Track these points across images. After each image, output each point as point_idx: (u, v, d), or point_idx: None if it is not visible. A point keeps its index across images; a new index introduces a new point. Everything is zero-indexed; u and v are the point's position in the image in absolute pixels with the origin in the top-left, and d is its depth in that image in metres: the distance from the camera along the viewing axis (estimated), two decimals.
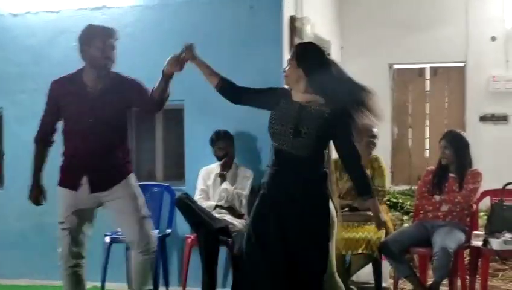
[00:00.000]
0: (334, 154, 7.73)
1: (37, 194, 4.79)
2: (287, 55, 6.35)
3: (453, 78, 8.93)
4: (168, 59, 4.59)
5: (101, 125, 4.54)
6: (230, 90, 4.48)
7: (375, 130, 5.85)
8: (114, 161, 4.65)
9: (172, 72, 4.57)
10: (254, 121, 6.27)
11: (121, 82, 4.66)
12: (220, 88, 4.46)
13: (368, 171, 5.77)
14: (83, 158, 4.59)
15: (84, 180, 4.60)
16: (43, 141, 4.82)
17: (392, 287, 5.77)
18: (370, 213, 5.51)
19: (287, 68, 4.22)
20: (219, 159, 6.16)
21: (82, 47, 4.63)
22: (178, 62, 4.53)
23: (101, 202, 4.68)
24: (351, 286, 5.76)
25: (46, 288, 6.46)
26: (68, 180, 4.69)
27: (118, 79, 4.66)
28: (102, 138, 4.56)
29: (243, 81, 6.32)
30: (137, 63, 6.40)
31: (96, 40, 4.58)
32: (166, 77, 4.60)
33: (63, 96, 4.62)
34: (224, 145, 6.13)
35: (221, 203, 6.02)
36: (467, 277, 5.57)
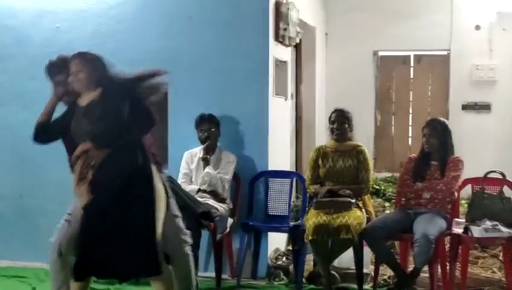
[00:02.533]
0: (317, 142, 7.78)
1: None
2: (272, 40, 6.37)
3: (436, 66, 8.95)
4: None
5: None
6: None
7: (333, 114, 5.86)
8: None
9: None
10: (238, 106, 6.30)
11: None
12: None
13: (351, 162, 5.79)
14: None
15: None
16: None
17: (373, 273, 5.80)
18: (350, 199, 5.56)
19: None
20: (202, 142, 6.15)
21: None
22: None
23: None
24: (332, 272, 5.79)
25: (27, 269, 6.44)
26: None
27: None
28: None
29: (228, 65, 6.37)
30: (122, 45, 6.38)
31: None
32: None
33: None
34: (207, 127, 6.11)
35: (204, 187, 6.02)
36: (447, 264, 5.61)
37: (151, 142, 5.03)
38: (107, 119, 4.31)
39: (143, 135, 4.51)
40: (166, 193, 4.58)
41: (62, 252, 4.62)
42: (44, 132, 4.69)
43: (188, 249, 4.88)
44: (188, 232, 4.94)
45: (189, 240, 4.93)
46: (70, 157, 4.49)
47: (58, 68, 4.61)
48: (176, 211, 4.90)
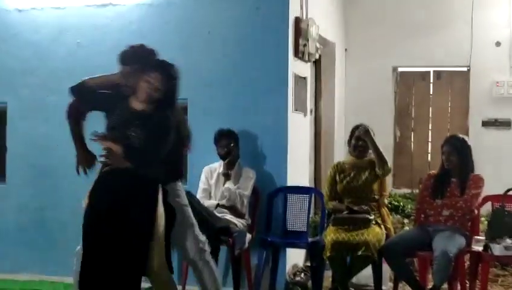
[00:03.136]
0: (336, 158, 7.76)
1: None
2: (291, 56, 6.39)
3: (456, 83, 8.91)
4: None
5: None
6: None
7: (359, 131, 5.87)
8: None
9: None
10: (257, 122, 6.31)
11: None
12: None
13: (368, 175, 5.79)
14: None
15: None
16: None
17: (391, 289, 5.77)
18: (368, 216, 5.55)
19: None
20: (222, 157, 6.16)
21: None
22: None
23: None
24: (351, 289, 5.77)
25: (45, 283, 6.46)
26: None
27: None
28: None
29: (247, 81, 6.38)
30: None
31: None
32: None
33: None
34: (227, 143, 6.12)
35: (223, 202, 6.02)
36: (467, 281, 5.57)
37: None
38: (147, 135, 4.33)
39: (165, 183, 4.54)
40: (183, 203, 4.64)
41: None
42: (85, 94, 4.61)
43: (208, 256, 4.92)
44: (204, 239, 4.99)
45: (207, 248, 4.97)
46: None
47: (138, 57, 4.59)
48: (193, 219, 4.94)
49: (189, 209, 5.03)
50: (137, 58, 4.57)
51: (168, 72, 4.52)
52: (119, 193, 4.32)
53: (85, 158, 4.65)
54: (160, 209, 4.42)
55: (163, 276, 4.48)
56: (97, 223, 4.34)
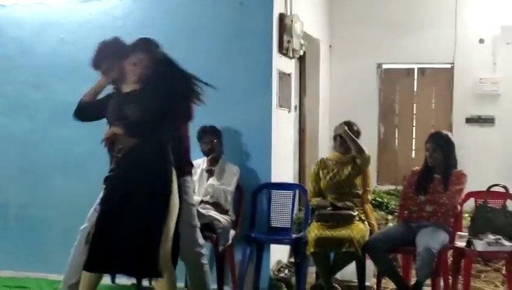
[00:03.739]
0: (320, 154, 7.77)
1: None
2: (276, 53, 6.39)
3: (440, 80, 8.95)
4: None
5: None
6: None
7: (335, 129, 5.91)
8: None
9: None
10: (241, 118, 6.31)
11: None
12: None
13: (351, 170, 5.81)
14: None
15: None
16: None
17: (375, 286, 5.79)
18: (352, 212, 5.57)
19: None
20: (205, 154, 6.16)
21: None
22: None
23: None
24: (334, 285, 5.78)
25: (29, 280, 6.44)
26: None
27: None
28: None
29: (231, 77, 6.37)
30: None
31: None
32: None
33: None
34: (210, 139, 6.12)
35: (207, 198, 6.02)
36: (450, 277, 5.59)
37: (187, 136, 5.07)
38: (143, 109, 4.33)
39: (177, 125, 4.55)
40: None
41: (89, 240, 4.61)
42: (85, 111, 4.69)
43: (204, 260, 4.94)
44: (203, 243, 4.99)
45: (204, 251, 4.98)
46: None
47: (111, 51, 4.60)
48: (196, 221, 4.94)
49: (195, 210, 5.03)
50: (108, 52, 4.58)
51: (148, 47, 4.52)
52: (134, 174, 4.33)
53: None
54: (175, 198, 4.41)
55: (165, 268, 4.44)
56: (114, 205, 4.33)
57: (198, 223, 5.07)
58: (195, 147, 6.17)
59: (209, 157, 6.13)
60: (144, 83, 4.44)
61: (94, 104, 4.67)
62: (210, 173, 6.10)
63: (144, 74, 4.45)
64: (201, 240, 5.08)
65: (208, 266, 5.15)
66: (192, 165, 5.24)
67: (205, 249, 5.04)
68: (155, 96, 4.38)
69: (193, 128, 6.13)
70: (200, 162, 6.19)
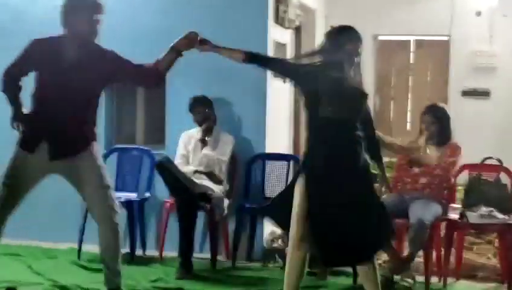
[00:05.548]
0: None
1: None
2: (271, 22, 6.34)
3: (436, 52, 8.93)
4: (180, 38, 4.54)
5: (74, 95, 4.37)
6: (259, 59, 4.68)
7: None
8: (79, 131, 4.48)
9: (183, 49, 4.57)
10: (236, 88, 6.28)
11: (102, 55, 4.49)
12: (248, 61, 4.62)
13: None
14: (48, 124, 4.41)
15: (45, 145, 4.41)
16: (11, 87, 4.57)
17: None
18: None
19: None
20: (199, 124, 6.14)
21: (67, 16, 4.49)
22: (189, 43, 4.59)
23: (59, 170, 4.53)
24: None
25: (22, 247, 6.41)
26: (28, 142, 4.47)
27: (99, 52, 4.50)
28: (72, 108, 4.39)
29: (226, 46, 6.31)
30: (119, 24, 6.32)
31: (84, 12, 4.46)
32: (176, 54, 4.57)
33: (41, 59, 4.44)
34: (202, 110, 6.10)
35: (201, 168, 6.02)
36: (442, 249, 5.61)
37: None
38: None
39: None
40: None
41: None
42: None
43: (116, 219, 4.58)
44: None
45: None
46: None
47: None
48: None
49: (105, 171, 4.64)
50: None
51: None
52: None
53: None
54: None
55: None
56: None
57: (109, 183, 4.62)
58: (188, 117, 6.16)
59: (202, 127, 6.11)
60: None
61: None
62: (204, 142, 6.08)
63: None
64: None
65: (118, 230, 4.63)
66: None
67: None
68: None
69: (184, 99, 6.14)
70: (194, 132, 6.18)
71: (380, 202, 4.47)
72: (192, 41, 4.58)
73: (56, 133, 4.42)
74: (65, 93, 4.39)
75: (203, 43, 4.61)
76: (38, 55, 4.47)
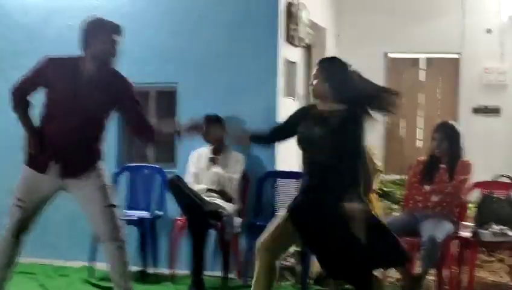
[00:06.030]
0: None
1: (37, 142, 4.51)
2: (282, 41, 6.37)
3: (447, 69, 8.94)
4: (189, 124, 4.60)
5: (86, 116, 4.42)
6: (262, 140, 4.85)
7: None
8: (87, 150, 4.53)
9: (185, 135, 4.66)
10: (247, 106, 6.31)
11: (118, 81, 4.55)
12: (254, 142, 4.81)
13: None
14: (58, 143, 4.44)
15: (54, 164, 4.45)
16: (21, 104, 4.59)
17: (380, 275, 5.78)
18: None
19: (314, 82, 4.38)
20: (210, 143, 6.15)
21: (86, 38, 4.54)
22: (194, 132, 4.66)
23: (66, 188, 4.54)
24: None
25: (34, 266, 6.43)
26: (37, 162, 4.49)
27: (116, 77, 4.55)
28: (83, 128, 4.42)
29: (237, 65, 6.37)
30: (132, 43, 6.36)
31: (103, 34, 4.50)
32: (177, 134, 4.67)
33: (55, 77, 4.46)
34: (214, 129, 6.10)
35: (213, 186, 6.03)
36: (455, 267, 5.60)
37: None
38: None
39: None
40: None
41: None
42: None
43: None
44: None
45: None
46: None
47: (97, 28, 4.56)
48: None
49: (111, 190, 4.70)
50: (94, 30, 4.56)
51: None
52: None
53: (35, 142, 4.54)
54: None
55: None
56: None
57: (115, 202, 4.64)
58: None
59: (213, 146, 6.13)
60: None
61: None
62: (214, 161, 6.10)
63: None
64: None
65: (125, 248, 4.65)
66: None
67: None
68: None
69: (198, 116, 6.15)
70: (205, 150, 6.20)
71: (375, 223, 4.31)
72: (197, 131, 4.69)
73: (66, 152, 4.44)
74: (76, 112, 4.42)
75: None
76: (51, 71, 4.49)
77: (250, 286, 5.88)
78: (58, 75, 4.47)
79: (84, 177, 4.49)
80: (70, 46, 4.68)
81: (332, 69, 4.39)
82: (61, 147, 4.45)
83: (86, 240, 6.08)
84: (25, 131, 4.56)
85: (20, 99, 4.59)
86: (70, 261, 6.46)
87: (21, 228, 4.56)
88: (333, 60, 4.61)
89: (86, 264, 6.16)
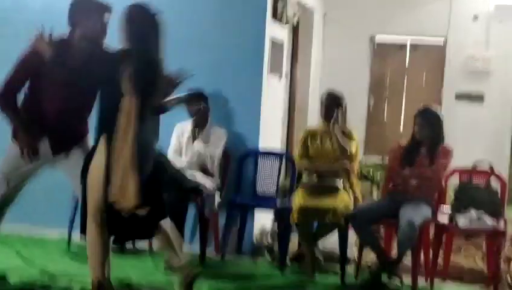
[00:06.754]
0: (309, 123, 7.77)
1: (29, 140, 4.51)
2: (269, 19, 6.36)
3: (432, 55, 8.96)
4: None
5: (76, 94, 4.44)
6: None
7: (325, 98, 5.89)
8: (77, 126, 4.59)
9: None
10: (231, 83, 6.30)
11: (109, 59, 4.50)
12: None
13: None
14: (48, 120, 4.47)
15: (46, 142, 4.49)
16: (10, 104, 4.53)
17: (356, 256, 5.83)
18: (338, 179, 5.61)
19: None
20: (193, 116, 6.14)
21: (75, 16, 4.50)
22: None
23: (54, 164, 4.60)
24: (316, 255, 5.82)
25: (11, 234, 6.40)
26: (30, 147, 4.49)
27: (106, 55, 4.50)
28: (73, 106, 4.47)
29: (223, 41, 6.35)
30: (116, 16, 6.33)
31: (94, 13, 4.46)
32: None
33: (39, 68, 4.43)
34: (197, 104, 6.09)
35: (194, 161, 6.03)
36: (431, 251, 5.64)
37: None
38: None
39: None
40: None
41: None
42: None
43: None
44: None
45: None
46: None
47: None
48: None
49: None
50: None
51: None
52: None
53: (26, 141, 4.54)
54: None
55: None
56: None
57: None
58: (182, 110, 6.17)
59: (196, 120, 6.12)
60: None
61: None
62: (197, 136, 6.09)
63: None
64: None
65: None
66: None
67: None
68: None
69: (184, 91, 6.14)
70: (188, 125, 6.18)
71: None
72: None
73: (57, 129, 4.44)
74: (68, 93, 4.41)
75: None
76: (36, 65, 4.45)
77: (228, 263, 5.97)
78: (44, 64, 4.39)
79: (72, 152, 4.50)
80: (57, 16, 4.65)
81: None
82: (51, 125, 4.45)
83: (66, 209, 6.04)
84: (12, 124, 4.54)
85: (9, 100, 4.52)
86: (48, 228, 6.41)
87: (5, 201, 4.57)
88: None
89: (65, 233, 6.13)
